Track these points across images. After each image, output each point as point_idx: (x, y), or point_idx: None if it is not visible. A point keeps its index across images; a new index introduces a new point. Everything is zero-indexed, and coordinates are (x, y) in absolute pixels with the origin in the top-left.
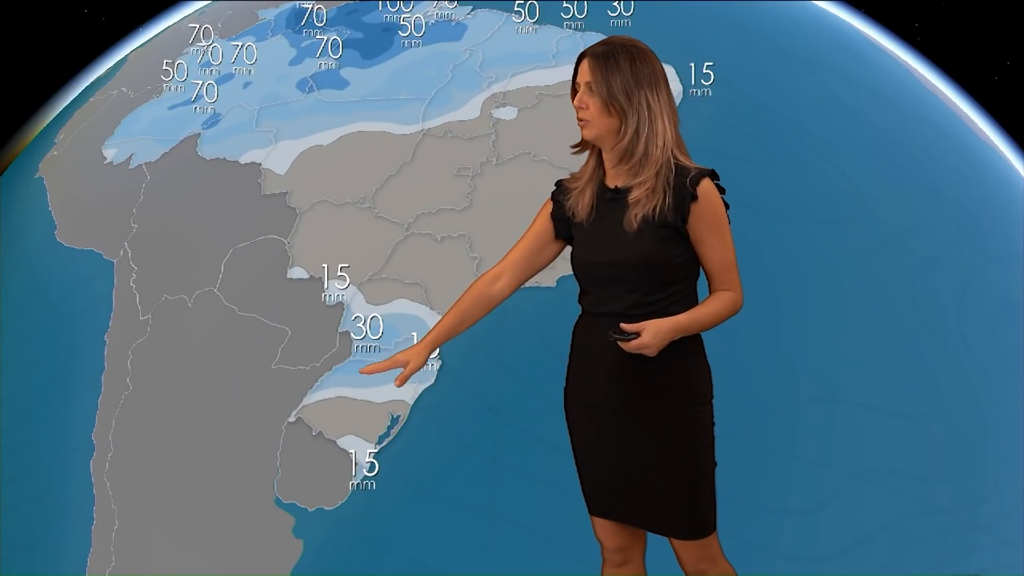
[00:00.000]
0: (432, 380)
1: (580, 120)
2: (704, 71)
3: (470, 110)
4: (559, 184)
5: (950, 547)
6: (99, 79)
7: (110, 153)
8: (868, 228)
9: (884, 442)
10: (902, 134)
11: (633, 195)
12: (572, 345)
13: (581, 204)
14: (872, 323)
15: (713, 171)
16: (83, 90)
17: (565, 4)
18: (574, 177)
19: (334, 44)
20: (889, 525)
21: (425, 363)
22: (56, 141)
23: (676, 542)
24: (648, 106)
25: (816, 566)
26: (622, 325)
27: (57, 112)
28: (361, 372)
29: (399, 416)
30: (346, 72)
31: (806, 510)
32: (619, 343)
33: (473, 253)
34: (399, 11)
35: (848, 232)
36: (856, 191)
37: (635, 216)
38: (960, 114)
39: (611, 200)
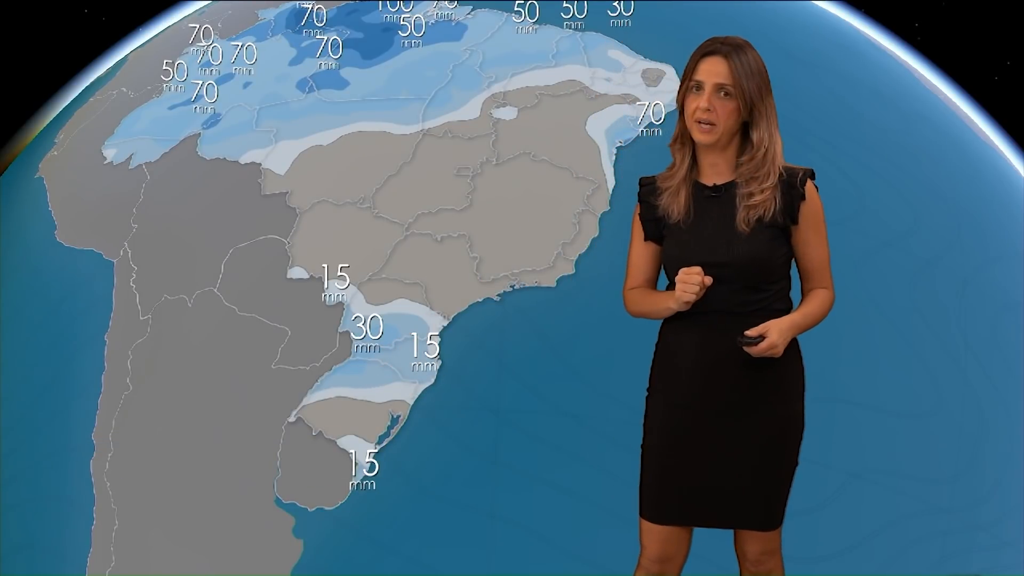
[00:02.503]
0: (432, 380)
1: (704, 123)
2: None
3: (470, 110)
4: (646, 183)
5: (950, 547)
6: (99, 79)
7: (110, 153)
8: (868, 228)
9: (884, 442)
10: (902, 134)
11: (755, 199)
12: (660, 344)
13: (676, 204)
14: (872, 323)
15: (813, 170)
16: (83, 90)
17: (565, 4)
18: (665, 176)
19: (334, 44)
20: (889, 525)
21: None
22: (56, 141)
23: (744, 534)
24: (770, 111)
25: (816, 566)
26: (747, 332)
27: (57, 112)
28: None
29: (399, 416)
30: (346, 72)
31: (806, 510)
32: (745, 348)
33: (473, 253)
34: (399, 11)
35: (848, 232)
36: (856, 191)
37: (750, 217)
38: (960, 114)
39: (710, 198)
